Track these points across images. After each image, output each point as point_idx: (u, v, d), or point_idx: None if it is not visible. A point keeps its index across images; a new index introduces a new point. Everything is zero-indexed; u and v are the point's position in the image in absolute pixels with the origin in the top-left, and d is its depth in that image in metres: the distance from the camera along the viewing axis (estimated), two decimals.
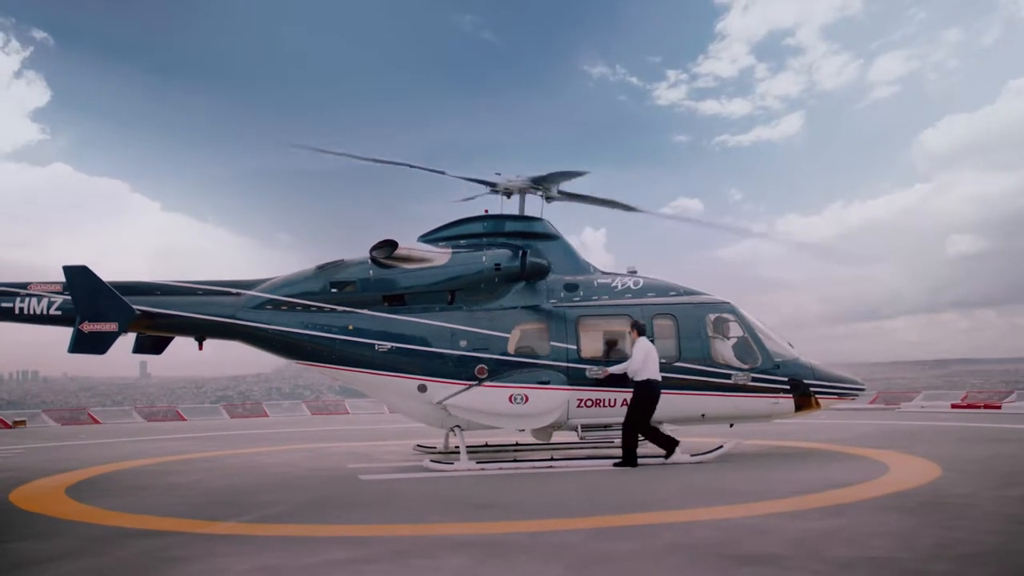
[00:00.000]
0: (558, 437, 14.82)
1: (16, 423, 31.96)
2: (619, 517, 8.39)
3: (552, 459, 13.42)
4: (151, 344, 14.53)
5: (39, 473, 14.01)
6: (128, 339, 14.15)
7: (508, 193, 14.74)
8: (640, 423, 12.95)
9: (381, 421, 29.89)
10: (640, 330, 13.11)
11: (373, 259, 13.60)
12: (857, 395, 15.10)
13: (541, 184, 14.58)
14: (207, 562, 6.74)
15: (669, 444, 13.14)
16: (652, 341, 13.47)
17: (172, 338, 14.41)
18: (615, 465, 12.80)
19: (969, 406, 28.82)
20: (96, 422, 34.29)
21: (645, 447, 14.45)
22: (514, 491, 10.60)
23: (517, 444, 15.88)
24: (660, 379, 12.88)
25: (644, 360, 12.73)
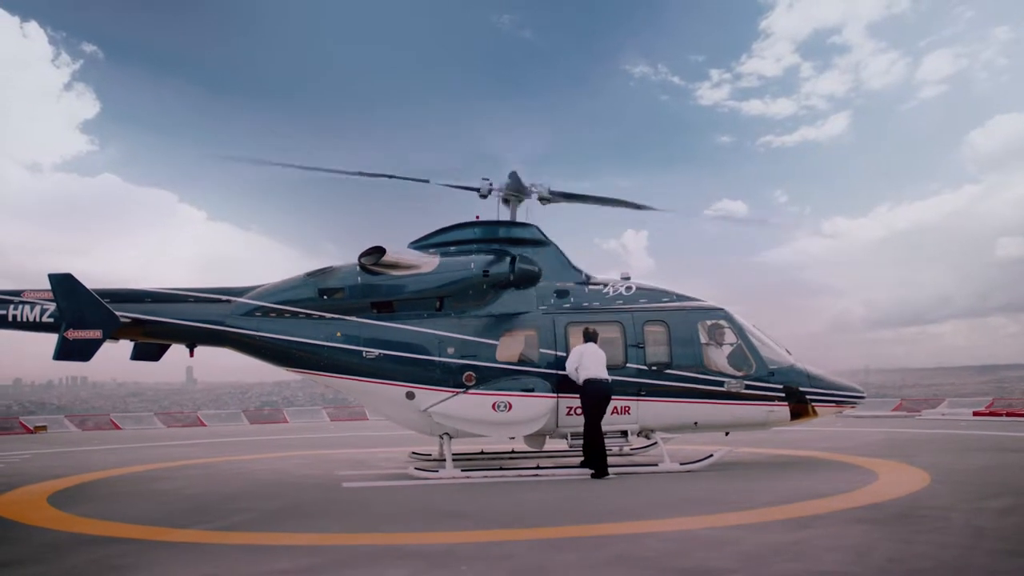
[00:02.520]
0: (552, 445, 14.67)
1: (37, 428, 32.44)
2: (577, 527, 8.26)
3: (538, 467, 13.28)
4: (148, 351, 14.57)
5: (33, 479, 14.16)
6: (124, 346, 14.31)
7: (507, 200, 14.66)
8: (587, 425, 12.69)
9: (397, 427, 29.84)
10: (588, 337, 12.93)
11: (361, 266, 13.54)
12: (857, 403, 14.76)
13: (521, 191, 14.49)
14: (150, 571, 6.75)
15: (599, 465, 12.52)
16: (642, 347, 13.33)
17: (169, 345, 14.47)
18: (592, 476, 12.52)
19: (992, 413, 28.23)
20: (117, 428, 34.68)
21: (635, 457, 14.32)
22: (488, 500, 10.50)
23: (512, 452, 15.76)
24: (603, 377, 12.57)
25: (579, 361, 12.58)
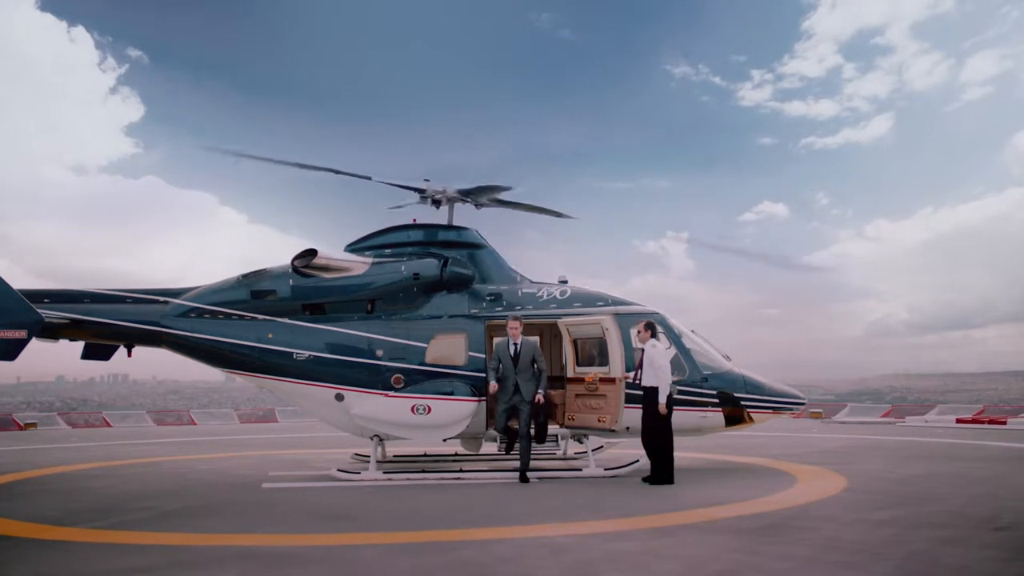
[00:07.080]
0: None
1: (27, 425, 32.77)
2: (446, 532, 8.28)
3: (460, 471, 13.29)
4: (97, 351, 14.70)
5: None
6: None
7: (437, 202, 14.71)
8: (645, 435, 12.26)
9: None
10: (653, 331, 12.45)
11: (294, 268, 13.65)
12: (796, 409, 14.69)
13: (469, 195, 14.55)
14: None
15: (662, 471, 12.05)
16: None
17: (117, 346, 14.60)
18: (644, 480, 12.14)
19: (975, 421, 27.87)
20: (108, 425, 34.94)
21: (572, 461, 14.28)
22: (387, 503, 10.53)
23: (456, 454, 15.74)
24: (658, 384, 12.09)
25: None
